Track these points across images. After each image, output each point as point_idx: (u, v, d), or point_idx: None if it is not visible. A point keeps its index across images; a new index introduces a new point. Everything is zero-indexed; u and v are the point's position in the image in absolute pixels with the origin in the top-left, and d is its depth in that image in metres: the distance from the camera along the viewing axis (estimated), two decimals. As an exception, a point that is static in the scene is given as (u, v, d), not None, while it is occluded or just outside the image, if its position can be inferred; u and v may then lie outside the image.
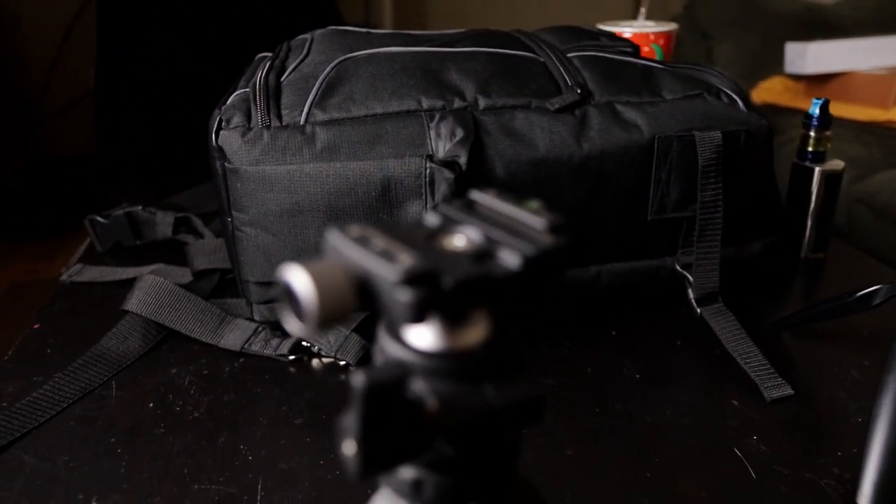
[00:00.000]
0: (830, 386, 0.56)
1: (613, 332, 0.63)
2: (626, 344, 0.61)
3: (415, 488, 0.25)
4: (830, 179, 0.72)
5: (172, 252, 0.76)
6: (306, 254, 0.55)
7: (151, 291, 0.63)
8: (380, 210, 0.54)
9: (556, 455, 0.49)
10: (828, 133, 0.71)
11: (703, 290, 0.61)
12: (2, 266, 1.99)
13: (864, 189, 1.09)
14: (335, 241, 0.21)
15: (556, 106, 0.58)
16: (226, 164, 0.55)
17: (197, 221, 0.77)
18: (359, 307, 0.21)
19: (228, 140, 0.55)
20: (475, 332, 0.24)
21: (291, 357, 0.59)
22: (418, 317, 0.20)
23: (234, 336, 0.61)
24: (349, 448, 0.21)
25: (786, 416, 0.52)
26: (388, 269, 0.20)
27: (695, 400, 0.54)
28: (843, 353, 0.59)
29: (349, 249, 0.21)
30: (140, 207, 0.77)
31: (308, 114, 0.56)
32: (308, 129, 0.55)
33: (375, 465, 0.21)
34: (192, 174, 0.90)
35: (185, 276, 0.71)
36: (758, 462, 0.48)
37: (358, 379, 0.20)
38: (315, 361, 0.60)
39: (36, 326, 0.66)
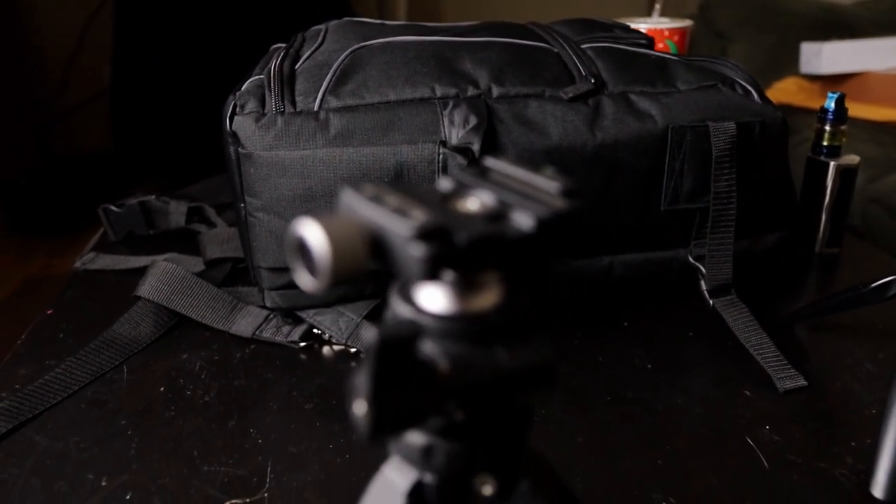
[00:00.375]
0: (844, 377, 0.55)
1: (625, 323, 0.62)
2: (638, 335, 0.61)
3: (425, 455, 0.25)
4: (845, 174, 0.71)
5: (185, 241, 0.76)
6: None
7: (164, 278, 0.63)
8: (392, 196, 0.54)
9: (568, 442, 0.49)
10: (843, 127, 0.71)
11: (716, 282, 0.61)
12: (17, 262, 2.01)
13: (879, 189, 1.08)
14: (349, 200, 0.21)
15: (570, 95, 0.58)
16: (239, 149, 0.55)
17: (210, 211, 0.78)
18: (371, 265, 0.21)
19: (242, 125, 0.55)
20: (488, 296, 0.23)
21: (302, 344, 0.60)
22: (431, 273, 0.20)
23: (245, 322, 0.61)
24: (360, 408, 0.21)
25: (799, 406, 0.52)
26: (401, 224, 0.20)
27: (707, 390, 0.54)
28: (858, 345, 0.59)
29: (363, 207, 0.21)
30: (153, 197, 0.78)
31: (322, 100, 0.56)
32: (322, 115, 0.55)
33: (385, 425, 0.21)
34: (207, 172, 0.90)
35: (198, 265, 0.71)
36: (770, 451, 0.48)
37: (371, 334, 0.20)
38: (326, 349, 0.60)
39: (49, 312, 0.66)
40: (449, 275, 0.23)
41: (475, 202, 0.23)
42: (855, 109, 0.82)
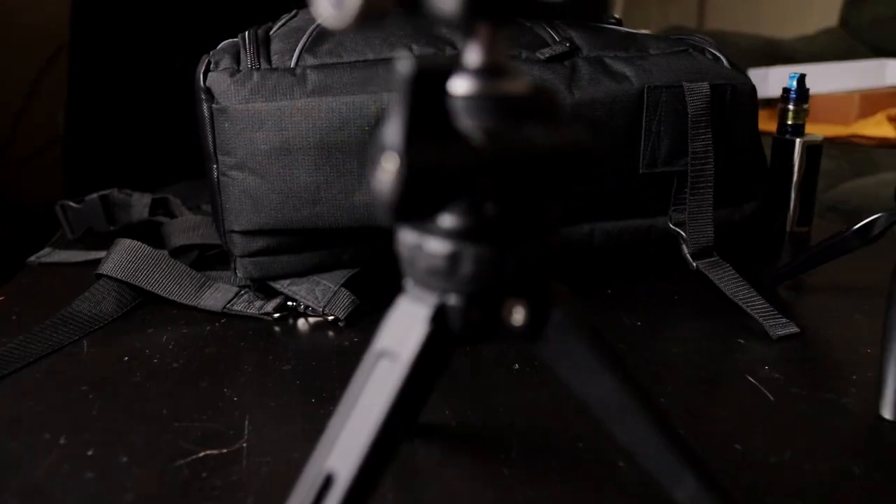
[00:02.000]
0: (835, 327, 0.54)
1: (609, 290, 0.61)
2: (623, 300, 0.59)
3: (451, 264, 0.23)
4: (811, 150, 0.73)
5: (148, 238, 0.72)
6: (295, 197, 0.53)
7: (128, 255, 0.59)
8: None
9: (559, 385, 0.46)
10: (805, 106, 0.73)
11: (698, 245, 0.60)
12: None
13: (833, 197, 1.12)
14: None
15: (546, 55, 0.58)
16: (213, 105, 0.53)
17: (175, 202, 0.74)
18: (399, 6, 0.19)
19: (217, 80, 0.53)
20: (522, 82, 0.22)
21: (276, 315, 0.56)
22: (469, 13, 0.19)
23: (215, 297, 0.58)
24: (389, 162, 0.19)
25: (795, 351, 0.51)
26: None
27: (700, 340, 0.53)
28: (843, 299, 0.59)
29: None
30: (115, 189, 0.75)
31: (298, 58, 0.55)
32: (298, 71, 0.54)
33: (416, 191, 0.19)
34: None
35: (161, 256, 0.68)
36: (773, 387, 0.46)
37: (404, 64, 0.18)
38: (301, 321, 0.57)
39: (1, 299, 0.61)
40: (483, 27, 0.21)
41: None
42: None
